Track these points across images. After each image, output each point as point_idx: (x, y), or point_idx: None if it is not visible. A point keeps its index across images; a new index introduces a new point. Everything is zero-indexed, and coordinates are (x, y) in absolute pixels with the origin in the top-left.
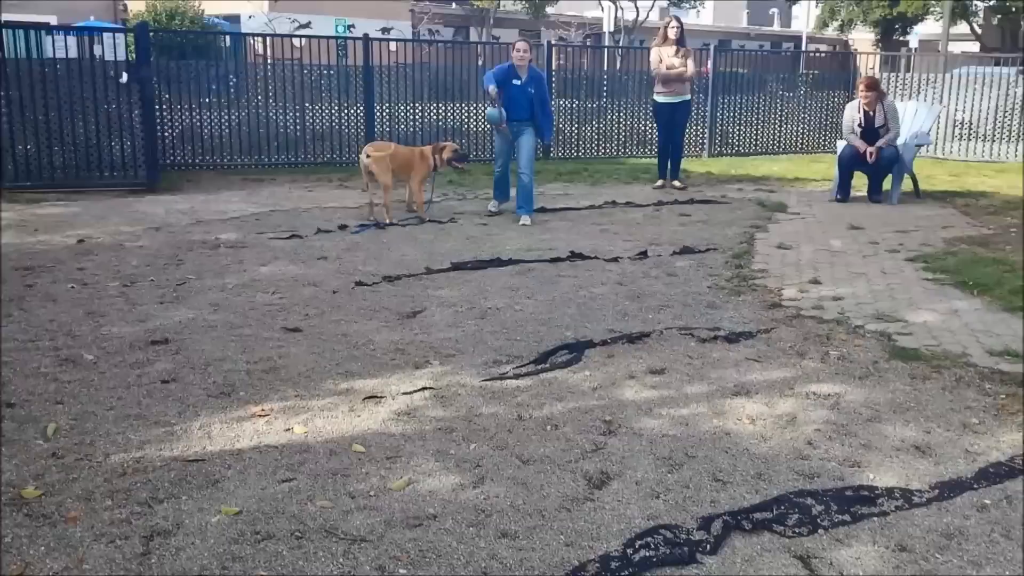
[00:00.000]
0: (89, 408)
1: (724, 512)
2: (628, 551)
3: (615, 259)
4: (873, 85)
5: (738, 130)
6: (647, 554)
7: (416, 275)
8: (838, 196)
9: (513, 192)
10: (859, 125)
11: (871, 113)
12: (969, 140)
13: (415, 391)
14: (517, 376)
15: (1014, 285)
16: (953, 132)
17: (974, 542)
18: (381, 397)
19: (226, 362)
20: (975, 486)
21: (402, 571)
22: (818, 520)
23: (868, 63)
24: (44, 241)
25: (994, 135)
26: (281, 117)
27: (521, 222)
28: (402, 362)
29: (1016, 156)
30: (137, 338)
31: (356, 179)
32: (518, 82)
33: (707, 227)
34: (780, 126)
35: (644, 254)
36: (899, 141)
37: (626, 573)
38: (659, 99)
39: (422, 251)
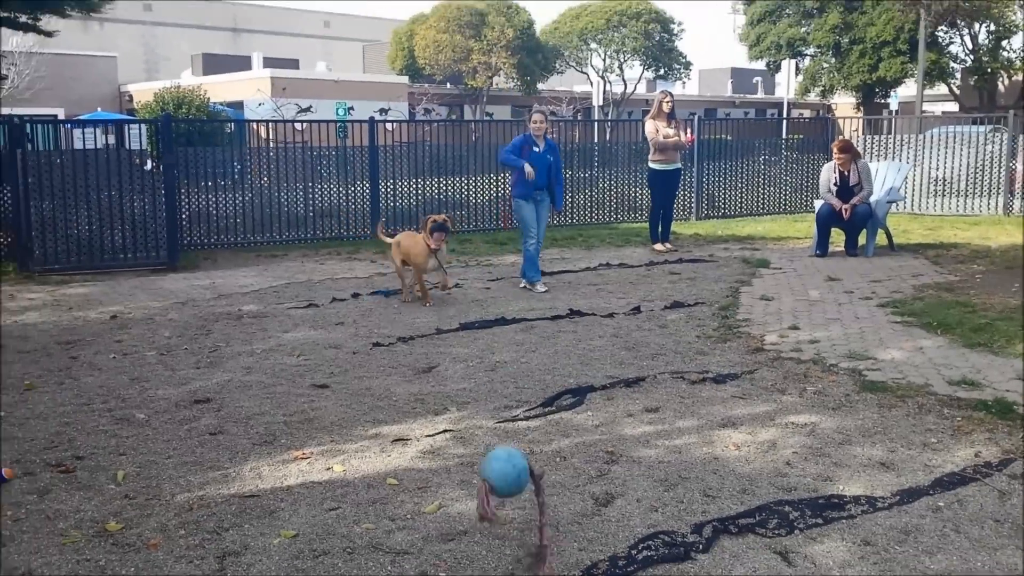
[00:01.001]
0: (150, 458)
1: (713, 519)
2: (632, 552)
3: (611, 315)
4: (846, 148)
5: (724, 194)
6: (649, 554)
7: (428, 335)
8: (817, 252)
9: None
10: (835, 184)
11: (846, 173)
12: (945, 196)
13: (437, 433)
14: (527, 418)
15: (974, 324)
16: (930, 189)
17: (928, 536)
18: (407, 439)
19: (265, 416)
20: (931, 492)
21: (442, 574)
22: (794, 523)
23: (851, 126)
24: (80, 317)
25: (967, 190)
26: (289, 196)
27: (533, 288)
28: (423, 410)
29: (989, 209)
30: (181, 398)
31: (364, 251)
32: (537, 149)
33: (695, 284)
34: (764, 189)
35: (638, 309)
36: (872, 198)
37: (631, 569)
38: (654, 167)
39: (431, 315)
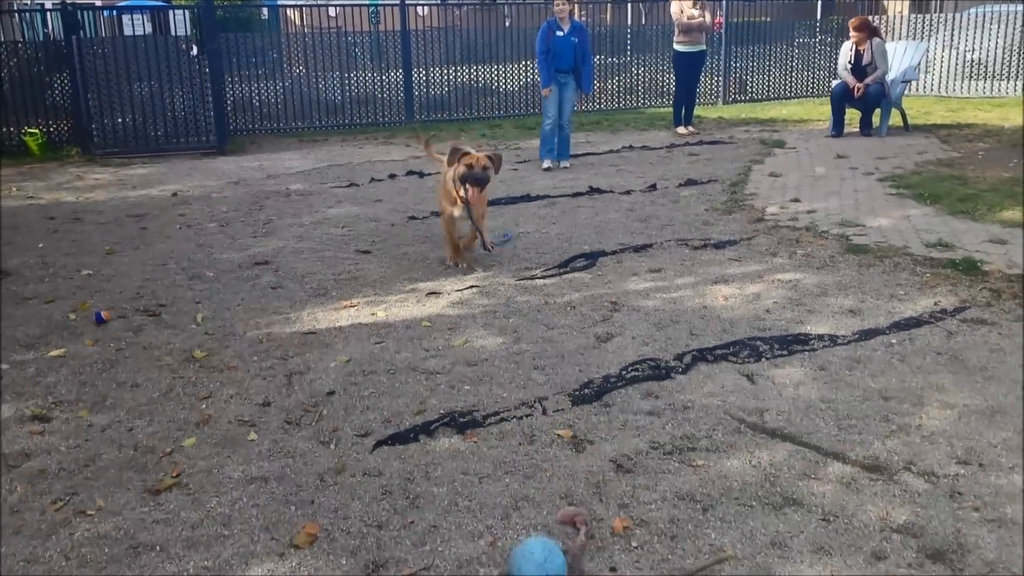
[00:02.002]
0: (222, 305)
1: (694, 350)
2: (623, 372)
3: (628, 192)
4: (862, 25)
5: (754, 78)
6: (636, 374)
7: None
8: (833, 132)
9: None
10: (850, 63)
11: (861, 51)
12: (975, 79)
13: (465, 288)
14: (544, 277)
15: (962, 195)
16: (962, 70)
17: (875, 364)
18: (439, 293)
19: (316, 274)
20: (887, 332)
21: (467, 387)
22: (763, 354)
23: (897, 8)
24: (143, 195)
25: (996, 73)
26: (326, 85)
27: (562, 165)
28: (453, 271)
29: (1015, 92)
30: (243, 261)
31: (399, 136)
32: (561, 33)
33: (711, 163)
34: (796, 72)
35: (654, 187)
36: (887, 78)
37: (620, 384)
38: (679, 48)
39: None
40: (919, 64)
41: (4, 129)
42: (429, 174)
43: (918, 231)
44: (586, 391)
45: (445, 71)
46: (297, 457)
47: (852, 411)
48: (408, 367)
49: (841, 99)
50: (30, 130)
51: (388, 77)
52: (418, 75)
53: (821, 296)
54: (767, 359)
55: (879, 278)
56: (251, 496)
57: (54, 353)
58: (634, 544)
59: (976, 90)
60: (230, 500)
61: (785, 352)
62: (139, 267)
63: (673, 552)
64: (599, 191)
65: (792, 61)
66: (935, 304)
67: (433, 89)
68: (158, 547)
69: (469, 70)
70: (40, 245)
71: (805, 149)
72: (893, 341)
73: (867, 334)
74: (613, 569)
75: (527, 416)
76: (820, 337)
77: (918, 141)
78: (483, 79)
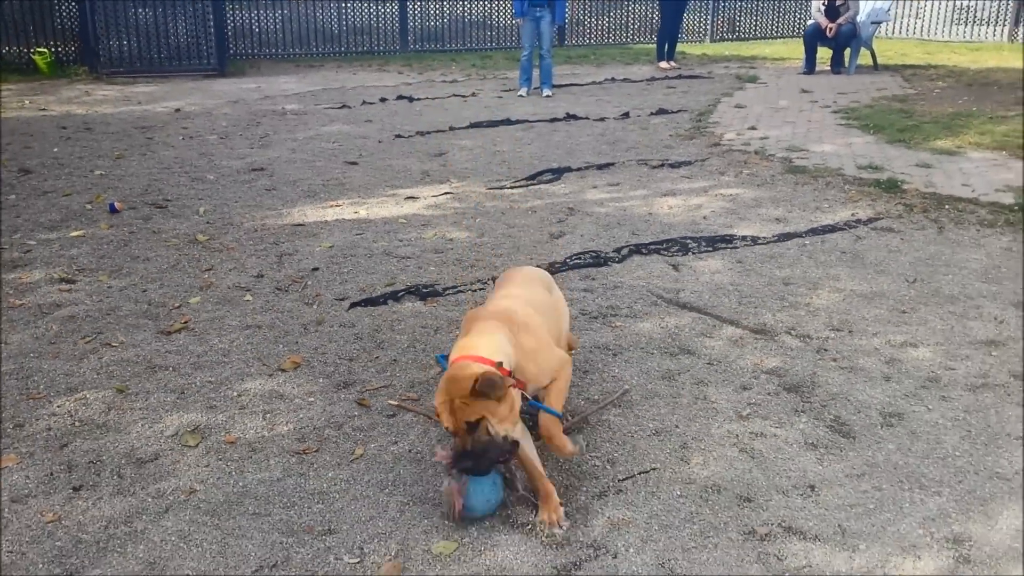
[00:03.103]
0: (222, 202)
1: (631, 244)
2: (568, 260)
3: (602, 119)
4: None
5: (745, 17)
6: (579, 261)
7: (442, 131)
8: (805, 70)
9: (535, 72)
10: (824, 4)
11: None
12: (959, 24)
13: (440, 194)
14: (513, 187)
15: (903, 125)
16: (949, 16)
17: (786, 259)
18: (416, 198)
19: (307, 180)
20: (803, 236)
21: (432, 268)
22: (691, 250)
23: None
24: (148, 110)
25: (982, 19)
26: (324, 13)
27: (544, 94)
28: (431, 181)
29: (995, 36)
30: (241, 167)
31: (392, 65)
32: None
33: (685, 96)
34: (784, 12)
35: (627, 115)
36: (859, 18)
37: (563, 269)
38: None
39: (448, 116)
40: (890, 7)
41: (14, 48)
42: (419, 99)
43: (855, 156)
44: None
45: (440, 3)
46: (285, 313)
47: (755, 292)
48: (383, 252)
49: (814, 38)
50: (39, 49)
51: (384, 8)
52: (413, 7)
53: (755, 207)
54: (694, 254)
55: (809, 194)
56: (247, 337)
57: (75, 234)
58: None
59: (959, 35)
60: (229, 340)
61: (710, 249)
62: (146, 170)
63: (582, 380)
64: (575, 118)
65: (783, 1)
66: (852, 215)
67: (427, 20)
68: (171, 368)
69: (463, 3)
70: (55, 150)
71: (775, 84)
72: (807, 243)
73: (785, 236)
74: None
75: (480, 290)
76: (744, 238)
77: (882, 79)
78: (476, 12)
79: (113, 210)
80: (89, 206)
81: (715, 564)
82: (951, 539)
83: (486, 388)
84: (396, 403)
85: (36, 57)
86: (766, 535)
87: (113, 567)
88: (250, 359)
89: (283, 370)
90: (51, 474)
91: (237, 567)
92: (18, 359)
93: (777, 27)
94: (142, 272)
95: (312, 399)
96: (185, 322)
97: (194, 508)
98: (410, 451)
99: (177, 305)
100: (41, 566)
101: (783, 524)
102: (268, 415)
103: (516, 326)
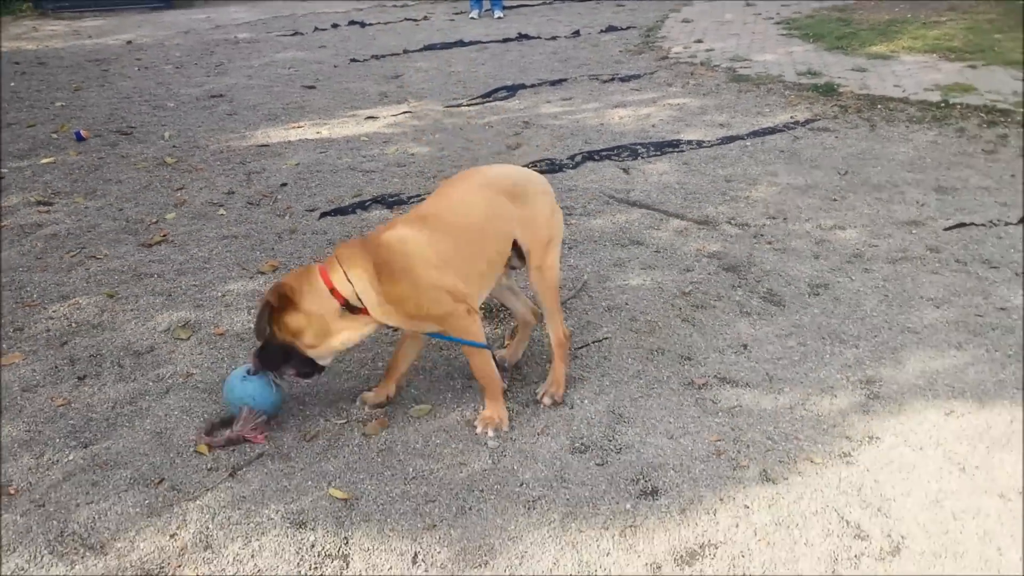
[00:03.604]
0: (185, 127)
1: (584, 152)
2: (524, 167)
3: (553, 38)
4: None
5: None
6: (535, 168)
7: (396, 54)
8: None
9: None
10: None
11: None
12: None
13: (399, 114)
14: (469, 105)
15: (842, 33)
16: None
17: (728, 160)
18: (376, 118)
19: (267, 104)
20: (745, 138)
21: (396, 180)
22: (640, 154)
23: None
24: (100, 43)
25: None
26: None
27: (496, 16)
28: (389, 101)
29: None
30: (200, 95)
31: None
32: None
33: (634, 13)
34: None
35: (577, 33)
36: None
37: None
38: None
39: (402, 40)
40: None
41: None
42: (371, 24)
43: (795, 64)
44: None
45: None
46: (259, 224)
47: (699, 189)
48: (347, 167)
49: None
50: None
51: None
52: None
53: (700, 115)
54: (643, 158)
55: (752, 100)
56: (225, 246)
57: (45, 161)
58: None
59: None
60: (208, 249)
61: (658, 153)
62: (106, 100)
63: None
64: (527, 37)
65: None
66: (791, 118)
67: None
68: (155, 275)
69: None
70: (12, 84)
71: (722, 1)
72: (748, 144)
73: (728, 139)
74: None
75: None
76: (690, 142)
77: None
78: None
79: (79, 138)
80: (55, 135)
81: (658, 409)
82: (864, 381)
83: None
84: None
85: None
86: (703, 384)
87: (124, 439)
88: (230, 264)
89: (262, 272)
90: (55, 367)
91: None
92: (8, 273)
93: None
94: (116, 193)
95: None
96: (164, 235)
97: (192, 388)
98: (385, 336)
99: (155, 221)
100: (58, 440)
101: (718, 376)
102: (252, 310)
103: (380, 266)
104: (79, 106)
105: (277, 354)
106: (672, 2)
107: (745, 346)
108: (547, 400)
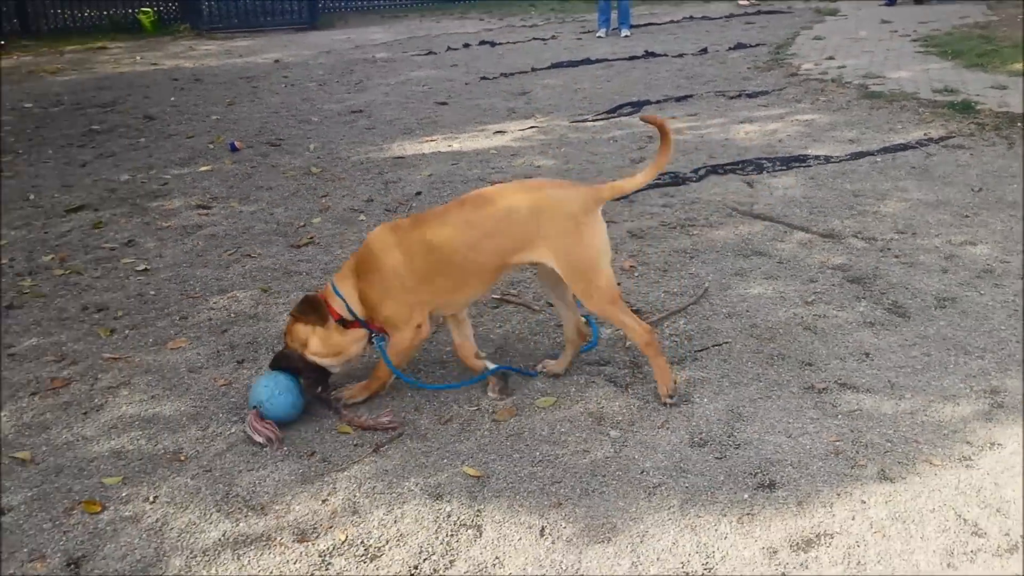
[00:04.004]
0: (328, 140)
1: (708, 165)
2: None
3: (680, 55)
4: None
5: None
6: (658, 181)
7: (524, 72)
8: (887, 1)
9: (613, 14)
10: None
11: None
12: None
13: (526, 128)
14: (595, 120)
15: (982, 51)
16: None
17: (857, 175)
18: (504, 132)
19: (403, 119)
20: (875, 154)
21: None
22: (765, 169)
23: None
24: (250, 62)
25: None
26: None
27: (623, 34)
28: (517, 116)
29: None
30: (341, 110)
31: (472, 12)
32: None
33: (764, 31)
34: None
35: (705, 51)
36: None
37: (644, 188)
38: None
39: (530, 59)
40: None
41: (120, 10)
42: (500, 43)
43: (931, 81)
44: None
45: None
46: None
47: (825, 204)
48: (477, 178)
49: None
50: (143, 9)
51: None
52: None
53: (829, 131)
54: (768, 172)
55: (884, 117)
56: None
57: (203, 168)
58: (636, 274)
59: None
60: (350, 251)
61: (784, 168)
62: (257, 114)
63: (663, 278)
64: (654, 55)
65: None
66: (924, 135)
67: None
68: (303, 273)
69: None
70: (172, 99)
71: (855, 16)
72: (878, 160)
73: (858, 155)
74: (618, 283)
75: None
76: (817, 157)
77: (965, 8)
78: None
79: (233, 149)
80: (211, 146)
81: (777, 410)
82: (988, 391)
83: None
84: (500, 296)
85: (141, 16)
86: (823, 389)
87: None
88: None
89: None
90: (217, 352)
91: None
92: (174, 268)
93: None
94: (267, 199)
95: None
96: (311, 238)
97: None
98: (513, 332)
99: (302, 224)
100: (221, 415)
101: (839, 381)
102: None
103: (362, 276)
104: (232, 119)
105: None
106: (803, 19)
107: (867, 354)
108: (669, 400)
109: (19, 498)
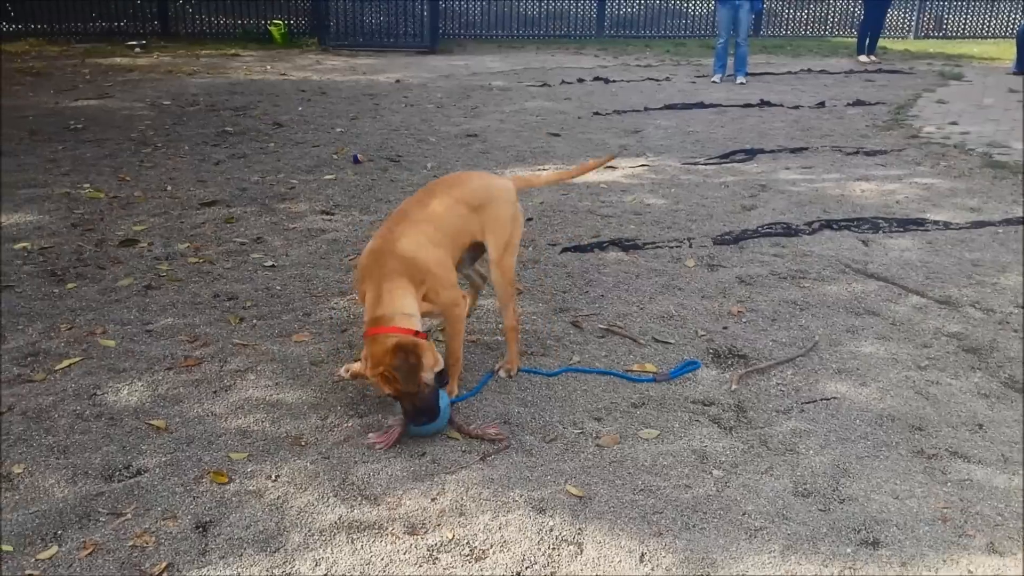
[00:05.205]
0: (444, 160)
1: (823, 220)
2: (759, 228)
3: (796, 107)
4: None
5: (952, 14)
6: (770, 231)
7: (637, 111)
8: (1015, 70)
9: (730, 60)
10: None
11: None
12: None
13: (637, 166)
14: (707, 164)
15: None
16: None
17: (977, 244)
18: (615, 168)
19: (516, 147)
20: (997, 225)
21: (632, 226)
22: (882, 229)
23: None
24: (372, 80)
25: None
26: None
27: (738, 81)
28: (628, 154)
29: None
30: (457, 133)
31: (588, 48)
32: None
33: (884, 89)
34: (998, 11)
35: (822, 104)
36: None
37: (755, 236)
38: None
39: (644, 98)
40: None
41: (252, 20)
42: (614, 81)
43: None
44: (726, 237)
45: None
46: None
47: (943, 270)
48: (587, 210)
49: None
50: (275, 21)
51: None
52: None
53: (949, 196)
54: (884, 232)
55: (1008, 188)
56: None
57: (327, 177)
58: (744, 320)
59: None
60: None
61: (901, 230)
62: (378, 130)
63: (771, 326)
64: (769, 104)
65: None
66: None
67: (623, 7)
68: None
69: None
70: (300, 109)
71: (981, 83)
72: (1000, 231)
73: (979, 224)
74: (725, 327)
75: (677, 247)
76: (936, 222)
77: None
78: (674, 3)
79: (356, 161)
80: (335, 156)
81: (884, 470)
82: None
83: (405, 374)
84: (606, 327)
85: (272, 28)
86: (933, 455)
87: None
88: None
89: None
90: (337, 349)
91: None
92: (299, 267)
93: (987, 26)
94: (386, 211)
95: (535, 317)
96: None
97: None
98: (617, 362)
99: None
100: (339, 408)
101: (950, 449)
102: (498, 323)
103: (420, 275)
104: (355, 133)
105: (429, 403)
106: (926, 82)
107: (981, 425)
108: (503, 373)
109: (154, 461)
